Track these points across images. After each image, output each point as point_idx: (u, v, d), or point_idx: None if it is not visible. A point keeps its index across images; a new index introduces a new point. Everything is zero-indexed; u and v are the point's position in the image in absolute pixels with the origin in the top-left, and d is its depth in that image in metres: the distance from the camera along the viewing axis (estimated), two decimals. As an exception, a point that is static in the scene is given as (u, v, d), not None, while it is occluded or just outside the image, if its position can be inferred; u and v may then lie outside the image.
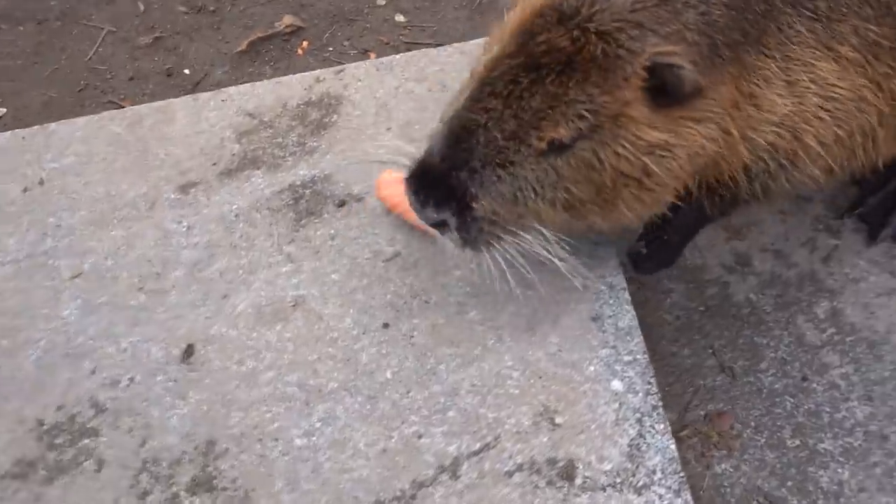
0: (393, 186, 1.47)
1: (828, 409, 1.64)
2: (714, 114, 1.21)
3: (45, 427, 1.36)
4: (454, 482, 1.21)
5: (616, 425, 1.23)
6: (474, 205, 1.19)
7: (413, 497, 1.21)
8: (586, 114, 1.13)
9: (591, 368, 1.30)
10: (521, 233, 1.22)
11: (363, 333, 1.40)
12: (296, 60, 2.72)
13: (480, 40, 1.82)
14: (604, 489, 1.17)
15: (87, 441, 1.34)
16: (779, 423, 1.64)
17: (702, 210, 1.48)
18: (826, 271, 1.82)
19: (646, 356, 1.30)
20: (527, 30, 1.16)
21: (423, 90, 1.73)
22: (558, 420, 1.25)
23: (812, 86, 1.24)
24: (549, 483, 1.18)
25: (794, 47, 1.22)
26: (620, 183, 1.20)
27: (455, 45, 1.81)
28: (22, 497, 1.29)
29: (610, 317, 1.36)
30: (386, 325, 1.40)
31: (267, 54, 2.72)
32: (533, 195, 1.19)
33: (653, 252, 1.69)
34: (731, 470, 1.59)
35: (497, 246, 1.23)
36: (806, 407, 1.65)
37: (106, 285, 1.52)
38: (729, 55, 1.19)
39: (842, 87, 1.26)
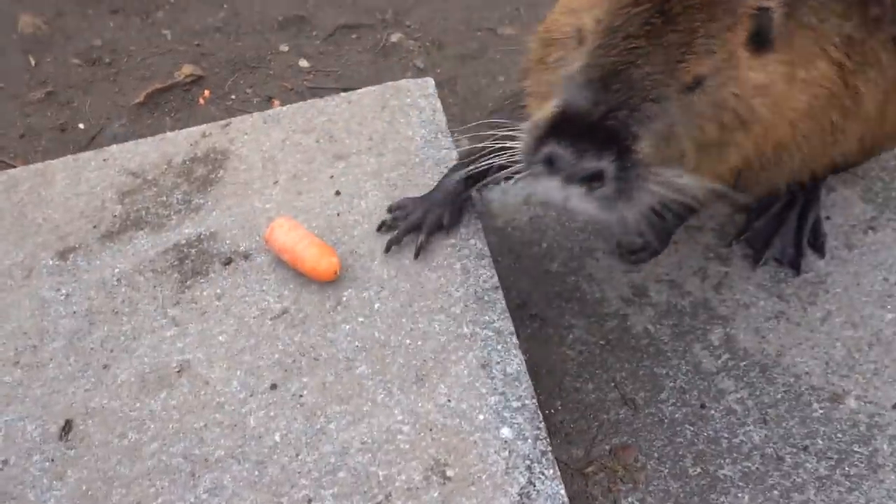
0: (285, 233, 1.47)
1: (726, 435, 1.68)
2: (802, 57, 1.23)
3: None
4: (344, 547, 1.18)
5: (506, 474, 1.23)
6: (636, 147, 1.11)
7: (302, 566, 1.17)
8: (715, 48, 1.13)
9: (481, 417, 1.29)
10: (667, 181, 1.16)
11: (250, 396, 1.36)
12: (197, 110, 2.68)
13: (365, 90, 1.83)
14: (494, 542, 1.15)
15: (-47, 534, 1.25)
16: (680, 453, 1.66)
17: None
18: (718, 298, 1.88)
19: (534, 401, 1.31)
20: None
21: (310, 141, 1.71)
22: (449, 473, 1.24)
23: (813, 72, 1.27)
24: (440, 540, 1.16)
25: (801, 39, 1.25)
26: (736, 123, 1.20)
27: (342, 94, 1.80)
28: None
29: (498, 363, 1.36)
30: (274, 386, 1.37)
31: (167, 105, 2.67)
32: (680, 132, 1.16)
33: (648, 240, 1.76)
34: (637, 503, 1.61)
35: (650, 195, 1.16)
36: (705, 434, 1.68)
37: (-23, 362, 1.44)
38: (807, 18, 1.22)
39: (822, 83, 1.30)
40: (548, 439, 1.27)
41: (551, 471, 1.23)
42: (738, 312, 1.85)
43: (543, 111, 1.16)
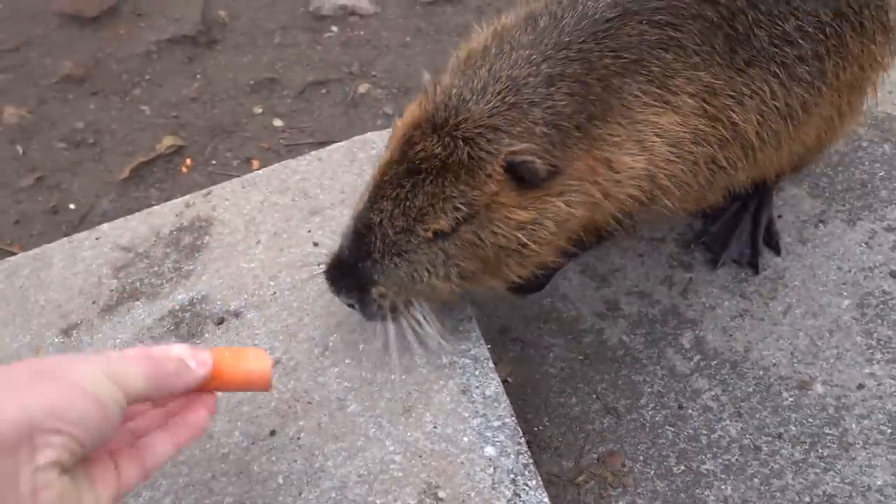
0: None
1: (705, 432, 1.78)
2: (574, 185, 1.43)
3: None
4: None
5: (493, 489, 1.32)
6: (372, 289, 1.44)
7: None
8: (461, 206, 1.37)
9: (466, 439, 1.39)
10: (409, 306, 1.48)
11: (252, 444, 1.46)
12: (181, 179, 2.81)
13: (334, 146, 1.96)
14: (488, 554, 1.25)
15: None
16: (664, 453, 1.76)
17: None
18: (685, 304, 1.99)
19: (513, 419, 1.41)
20: (407, 139, 1.40)
21: (286, 200, 1.84)
22: (441, 494, 1.33)
23: (658, 139, 1.46)
24: (438, 558, 1.26)
25: (637, 111, 1.44)
26: (503, 254, 1.44)
27: (313, 153, 1.93)
28: None
29: (477, 387, 1.47)
30: (273, 433, 1.47)
31: (151, 177, 2.80)
32: (427, 274, 1.44)
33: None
34: (628, 506, 1.70)
35: (392, 315, 1.48)
36: (685, 433, 1.78)
37: (-5, 441, 1.53)
38: (578, 134, 1.41)
39: (683, 131, 1.48)
40: (528, 453, 1.37)
41: (534, 481, 1.33)
42: (705, 315, 1.96)
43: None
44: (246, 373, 1.19)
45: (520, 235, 1.41)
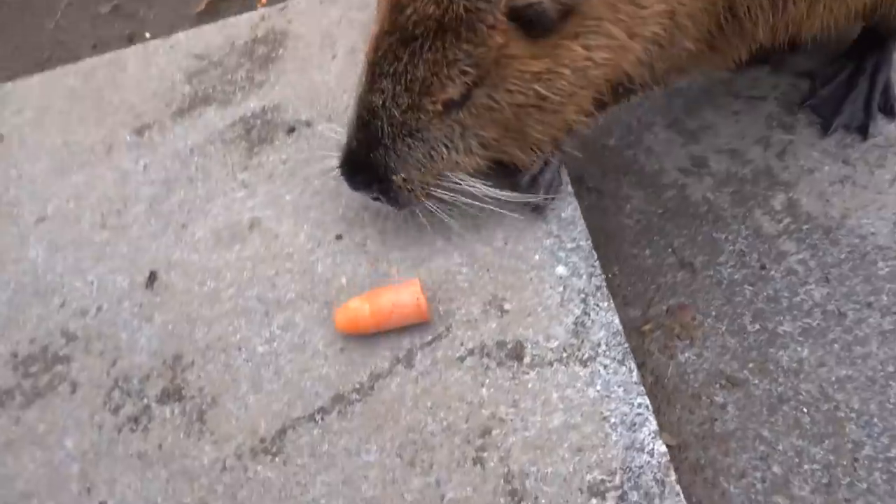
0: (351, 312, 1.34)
1: (786, 294, 1.67)
2: (592, 26, 1.24)
3: (19, 359, 1.41)
4: (409, 371, 1.25)
5: (561, 306, 1.27)
6: (393, 177, 1.30)
7: (371, 388, 1.25)
8: (468, 69, 1.19)
9: (537, 257, 1.33)
10: (444, 182, 1.33)
11: (318, 246, 1.43)
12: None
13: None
14: (551, 364, 1.21)
15: (60, 367, 1.39)
16: (739, 311, 1.67)
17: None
18: (781, 166, 1.85)
19: (589, 242, 1.34)
20: (395, 5, 1.20)
21: (365, 17, 1.75)
22: (506, 306, 1.29)
23: None
24: (500, 364, 1.22)
25: None
26: (523, 114, 1.27)
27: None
28: (2, 423, 1.34)
29: (553, 209, 1.39)
30: (339, 237, 1.44)
31: (227, 11, 2.73)
32: (445, 150, 1.29)
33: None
34: (694, 358, 1.63)
35: (427, 199, 1.34)
36: (765, 294, 1.68)
37: (70, 225, 1.56)
38: None
39: None
40: (602, 276, 1.30)
41: (605, 303, 1.27)
42: (801, 178, 1.82)
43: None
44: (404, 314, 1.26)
45: (538, 88, 1.23)
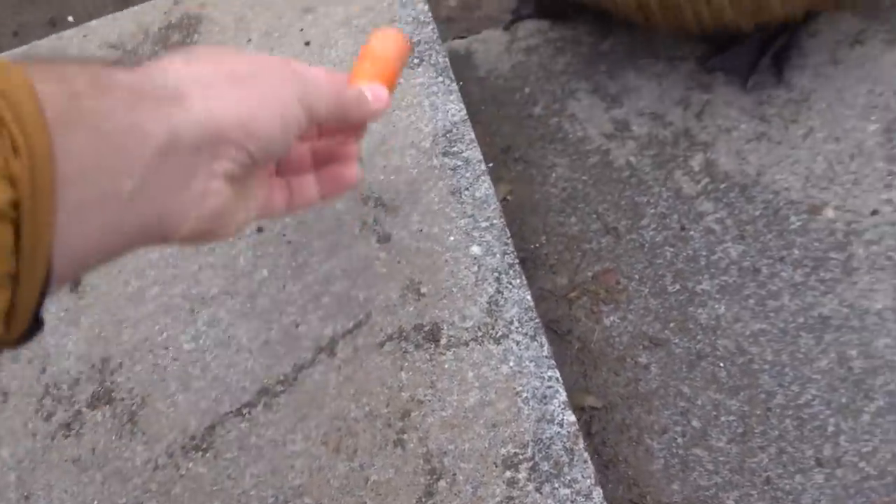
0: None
1: (704, 253, 1.73)
2: None
3: (-52, 370, 1.42)
4: (332, 359, 1.29)
5: (476, 286, 1.31)
6: None
7: (295, 379, 1.29)
8: None
9: (451, 239, 1.36)
10: None
11: (239, 240, 1.45)
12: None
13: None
14: (466, 344, 1.25)
15: (-11, 377, 1.40)
16: (660, 273, 1.73)
17: None
18: (700, 126, 1.89)
19: (502, 220, 1.37)
20: None
21: (278, -2, 1.73)
22: (423, 290, 1.32)
23: None
24: (417, 346, 1.27)
25: None
26: None
27: (306, -52, 1.79)
28: (-65, 436, 1.36)
29: (467, 189, 1.42)
30: (260, 230, 1.46)
31: (149, -10, 2.66)
32: None
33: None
34: (619, 321, 1.70)
35: None
36: (685, 254, 1.74)
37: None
38: None
39: None
40: (515, 253, 1.34)
41: (518, 280, 1.31)
42: (719, 137, 1.86)
43: None
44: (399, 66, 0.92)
45: None
